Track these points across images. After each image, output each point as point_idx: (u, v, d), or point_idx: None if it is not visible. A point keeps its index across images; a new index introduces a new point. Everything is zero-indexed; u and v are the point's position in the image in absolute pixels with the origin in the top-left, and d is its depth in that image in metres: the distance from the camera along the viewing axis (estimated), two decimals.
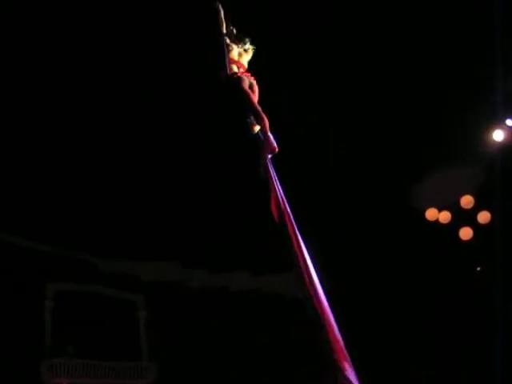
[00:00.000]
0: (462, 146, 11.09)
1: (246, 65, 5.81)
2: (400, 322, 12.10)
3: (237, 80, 5.60)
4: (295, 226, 5.18)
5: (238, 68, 5.74)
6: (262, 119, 5.36)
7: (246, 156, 5.56)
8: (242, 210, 10.27)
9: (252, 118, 5.47)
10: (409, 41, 10.07)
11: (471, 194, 11.84)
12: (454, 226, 11.97)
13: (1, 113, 10.65)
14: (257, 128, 5.42)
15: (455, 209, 11.97)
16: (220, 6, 5.72)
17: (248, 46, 5.82)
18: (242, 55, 5.83)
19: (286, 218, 5.18)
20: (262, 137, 5.37)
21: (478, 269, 12.30)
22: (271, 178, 5.27)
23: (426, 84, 10.53)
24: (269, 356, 12.58)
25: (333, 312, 5.01)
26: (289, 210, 5.24)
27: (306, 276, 5.02)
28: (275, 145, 5.31)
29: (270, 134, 5.33)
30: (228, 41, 5.75)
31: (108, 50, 10.17)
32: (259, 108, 5.43)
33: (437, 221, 12.13)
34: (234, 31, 5.85)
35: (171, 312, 12.74)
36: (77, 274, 12.46)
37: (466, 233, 11.88)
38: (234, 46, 5.78)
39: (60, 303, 12.32)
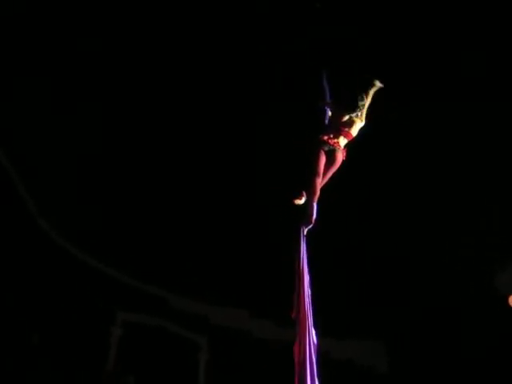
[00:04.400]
0: None
1: (355, 133, 5.81)
2: None
3: (318, 144, 5.65)
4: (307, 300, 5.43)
5: (337, 136, 5.73)
6: (314, 192, 5.44)
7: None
8: None
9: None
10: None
11: None
12: None
13: None
14: (301, 200, 5.50)
15: None
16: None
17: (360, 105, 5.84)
18: (355, 122, 5.82)
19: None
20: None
21: None
22: (300, 252, 5.31)
23: None
24: None
25: None
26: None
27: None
28: (314, 217, 5.37)
29: (314, 205, 5.40)
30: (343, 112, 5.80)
31: None
32: (317, 180, 5.49)
33: None
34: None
35: (232, 359, 12.66)
36: (148, 307, 12.64)
37: None
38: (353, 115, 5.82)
39: (127, 332, 12.53)
